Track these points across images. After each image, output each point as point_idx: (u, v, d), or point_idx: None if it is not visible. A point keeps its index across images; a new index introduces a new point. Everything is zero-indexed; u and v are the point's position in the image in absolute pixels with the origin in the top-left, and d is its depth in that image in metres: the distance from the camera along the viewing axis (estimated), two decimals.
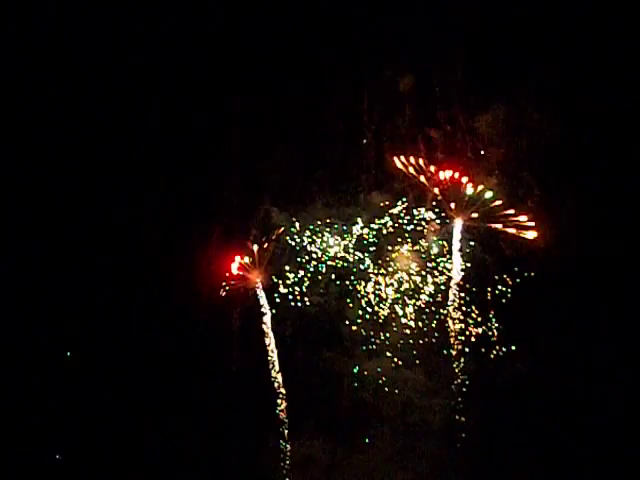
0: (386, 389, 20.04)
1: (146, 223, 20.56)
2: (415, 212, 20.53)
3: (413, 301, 20.43)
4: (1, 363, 19.45)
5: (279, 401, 19.92)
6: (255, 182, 20.79)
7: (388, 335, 20.31)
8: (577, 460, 18.98)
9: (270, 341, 20.12)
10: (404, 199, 20.51)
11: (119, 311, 20.13)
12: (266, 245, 20.23)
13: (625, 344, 19.20)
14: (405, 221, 20.63)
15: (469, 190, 19.66)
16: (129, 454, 19.43)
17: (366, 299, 20.48)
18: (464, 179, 19.79)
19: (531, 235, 19.72)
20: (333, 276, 20.57)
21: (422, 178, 20.25)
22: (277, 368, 20.03)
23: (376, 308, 20.48)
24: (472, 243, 20.17)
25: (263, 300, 20.30)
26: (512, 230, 19.72)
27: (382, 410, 19.98)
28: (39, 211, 20.35)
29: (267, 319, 20.26)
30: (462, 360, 20.06)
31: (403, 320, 20.36)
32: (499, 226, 19.69)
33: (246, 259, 20.15)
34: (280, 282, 20.36)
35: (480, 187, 19.62)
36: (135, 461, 19.41)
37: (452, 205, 19.99)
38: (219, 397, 19.92)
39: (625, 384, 19.01)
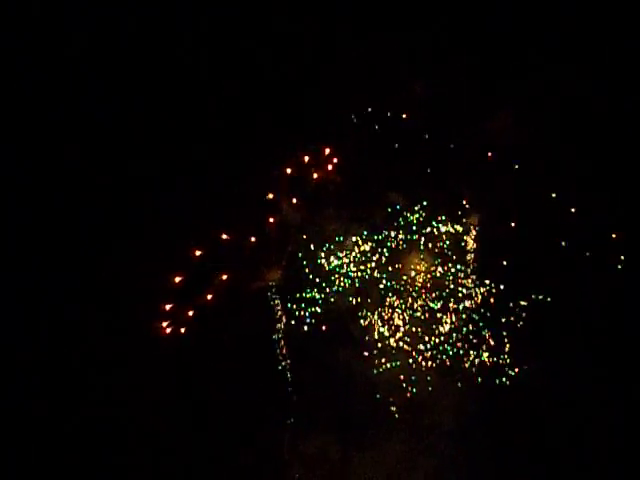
0: (398, 389, 20.10)
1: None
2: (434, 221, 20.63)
3: (427, 302, 20.50)
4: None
5: (292, 399, 19.97)
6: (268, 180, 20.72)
7: (401, 336, 20.37)
8: (588, 460, 19.14)
9: (283, 342, 20.11)
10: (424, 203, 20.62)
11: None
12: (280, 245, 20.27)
13: None
14: (422, 229, 20.70)
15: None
16: (142, 453, 19.38)
17: (381, 299, 20.51)
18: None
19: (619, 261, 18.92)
20: (347, 280, 20.63)
21: None
22: (289, 368, 20.06)
23: (390, 309, 20.52)
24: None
25: (277, 301, 20.31)
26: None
27: (394, 409, 20.03)
28: None
29: (281, 320, 20.26)
30: (475, 361, 20.14)
31: (417, 321, 20.44)
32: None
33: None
34: (294, 282, 20.42)
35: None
36: (148, 460, 19.37)
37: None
38: (233, 396, 19.88)
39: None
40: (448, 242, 20.69)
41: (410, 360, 20.22)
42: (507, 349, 20.17)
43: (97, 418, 19.33)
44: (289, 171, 20.73)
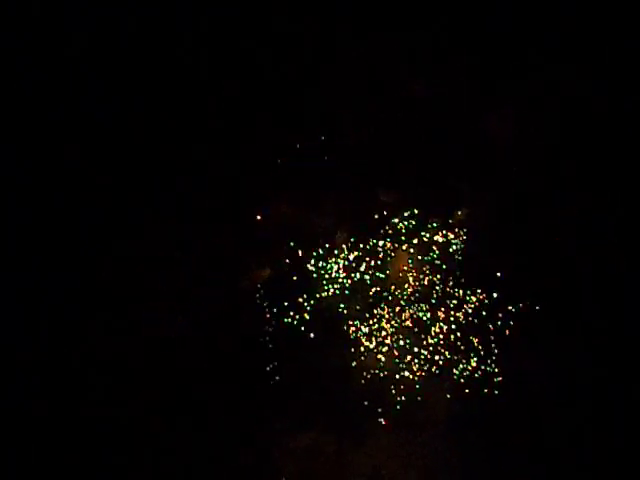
0: (392, 385, 20.05)
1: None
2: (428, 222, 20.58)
3: (420, 300, 20.45)
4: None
5: (286, 397, 19.93)
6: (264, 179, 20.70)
7: (394, 331, 20.32)
8: (589, 460, 19.14)
9: (276, 339, 20.07)
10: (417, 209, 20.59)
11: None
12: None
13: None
14: (415, 235, 20.62)
15: None
16: (139, 453, 19.30)
17: (372, 297, 20.46)
18: None
19: None
20: (337, 286, 20.59)
21: None
22: (278, 371, 20.03)
23: (382, 305, 20.46)
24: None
25: (267, 303, 20.27)
26: None
27: (388, 406, 19.99)
28: None
29: (271, 322, 20.22)
30: (469, 357, 20.12)
31: (409, 316, 20.41)
32: None
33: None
34: (284, 286, 20.34)
35: None
36: (148, 460, 19.29)
37: None
38: (226, 394, 19.76)
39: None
40: (443, 248, 20.63)
41: (401, 367, 20.17)
42: (506, 352, 20.14)
43: (97, 418, 19.36)
44: (285, 170, 20.69)
